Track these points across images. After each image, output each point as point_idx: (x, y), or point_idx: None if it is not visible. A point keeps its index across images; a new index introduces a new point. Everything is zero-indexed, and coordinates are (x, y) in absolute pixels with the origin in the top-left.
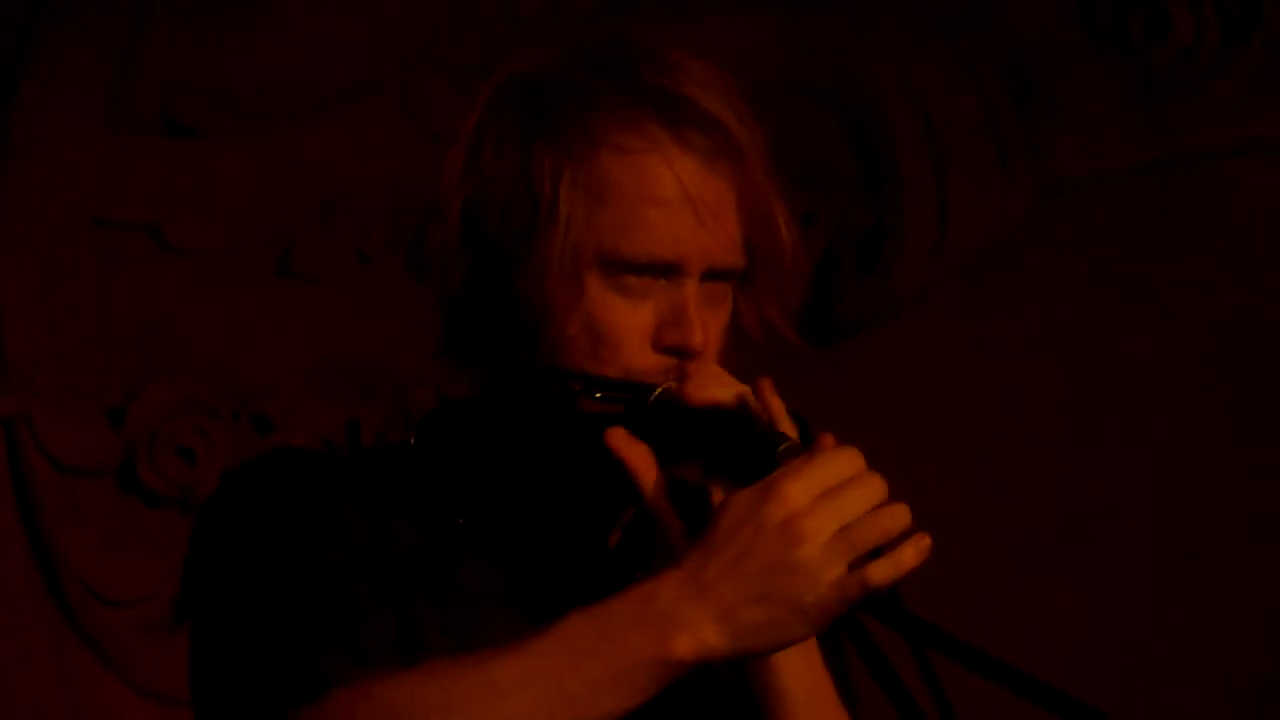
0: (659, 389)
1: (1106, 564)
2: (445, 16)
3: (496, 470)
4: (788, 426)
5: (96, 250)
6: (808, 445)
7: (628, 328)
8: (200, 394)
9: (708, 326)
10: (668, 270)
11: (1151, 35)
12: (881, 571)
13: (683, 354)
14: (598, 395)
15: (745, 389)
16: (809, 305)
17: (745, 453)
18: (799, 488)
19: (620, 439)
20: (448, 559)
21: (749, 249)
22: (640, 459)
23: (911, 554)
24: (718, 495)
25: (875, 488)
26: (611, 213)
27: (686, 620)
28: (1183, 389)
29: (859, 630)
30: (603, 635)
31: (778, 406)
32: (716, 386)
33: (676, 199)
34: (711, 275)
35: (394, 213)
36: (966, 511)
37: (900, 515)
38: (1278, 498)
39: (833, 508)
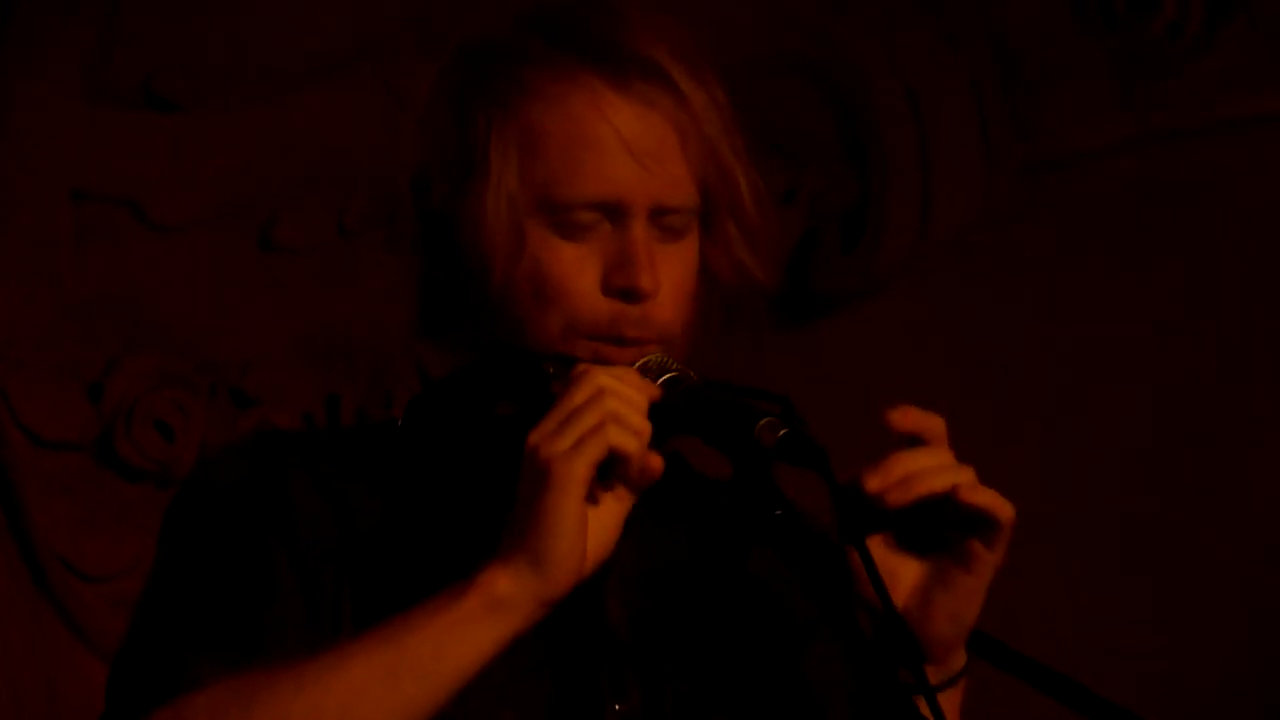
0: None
1: (1092, 547)
2: None
3: (460, 458)
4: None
5: (75, 223)
6: (792, 424)
7: (573, 273)
8: (179, 368)
9: (660, 267)
10: (610, 211)
11: (1136, 12)
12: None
13: (632, 297)
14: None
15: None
16: (790, 281)
17: (726, 425)
18: (537, 431)
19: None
20: (403, 544)
21: (704, 191)
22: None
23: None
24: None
25: (608, 403)
26: (545, 161)
27: (495, 564)
28: (1171, 367)
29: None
30: (423, 608)
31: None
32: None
33: (611, 142)
34: (660, 213)
35: (374, 185)
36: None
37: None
38: (1266, 473)
39: (561, 434)
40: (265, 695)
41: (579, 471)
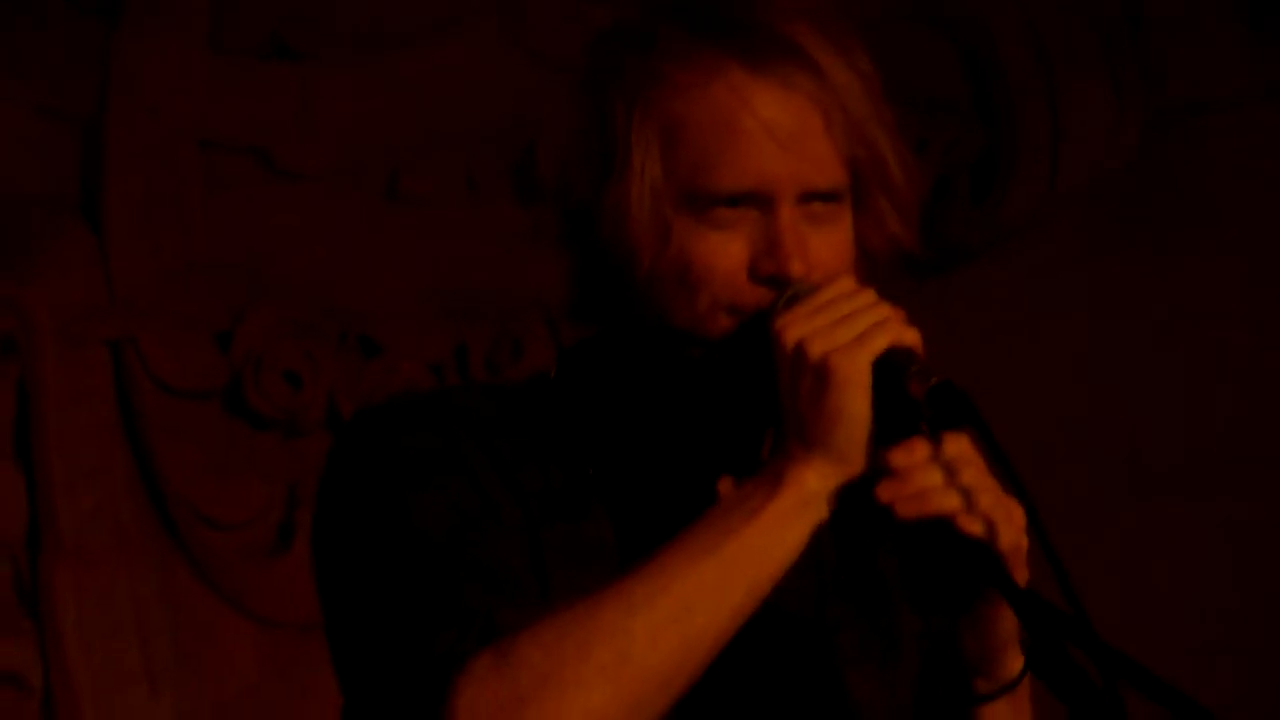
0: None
1: (1215, 491)
2: None
3: (632, 416)
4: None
5: (202, 173)
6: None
7: (717, 262)
8: (306, 317)
9: (813, 251)
10: (756, 200)
11: None
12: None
13: (782, 284)
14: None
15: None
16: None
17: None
18: (788, 320)
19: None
20: (577, 506)
21: (853, 168)
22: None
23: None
24: None
25: (857, 297)
26: (685, 151)
27: (791, 462)
28: None
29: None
30: (731, 512)
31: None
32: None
33: (752, 129)
34: (809, 198)
35: (500, 136)
36: (1068, 442)
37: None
38: None
39: (815, 319)
40: (595, 623)
41: (863, 365)
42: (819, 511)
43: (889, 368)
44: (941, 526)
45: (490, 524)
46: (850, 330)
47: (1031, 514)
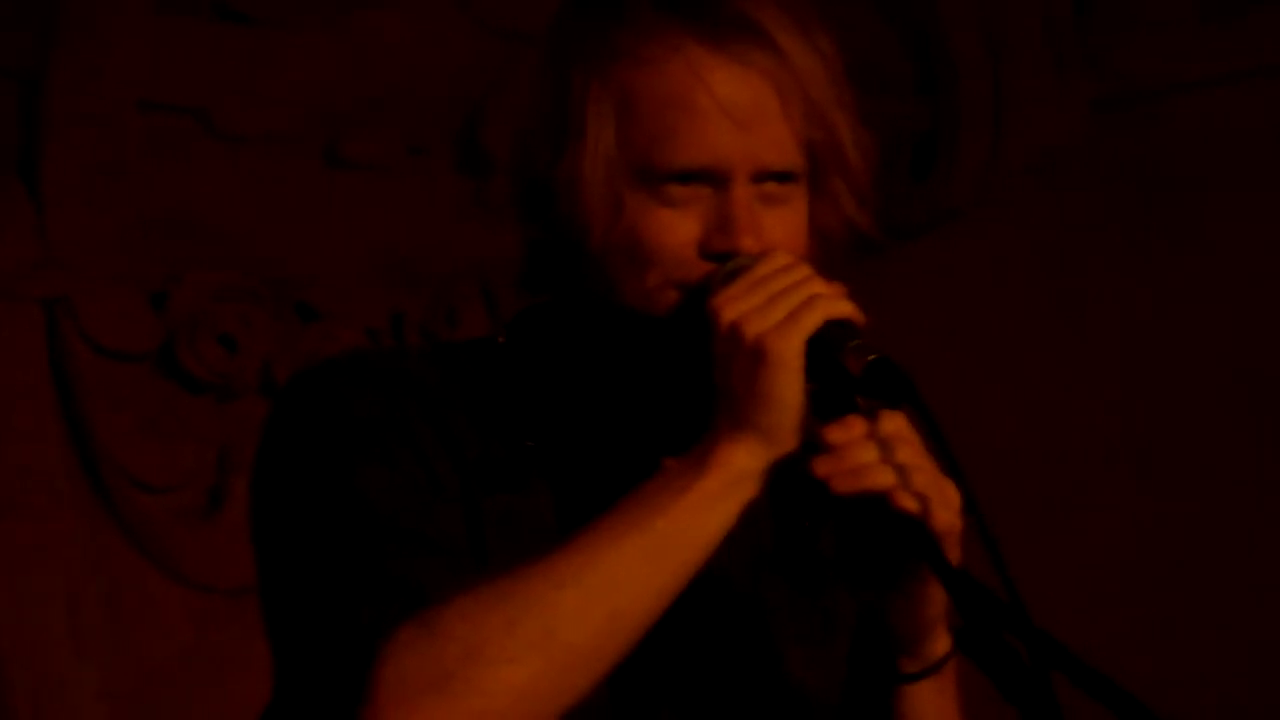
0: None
1: (1161, 482)
2: None
3: (576, 389)
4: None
5: (142, 134)
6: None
7: (667, 239)
8: (243, 281)
9: (766, 230)
10: (710, 177)
11: None
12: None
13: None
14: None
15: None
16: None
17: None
18: (731, 305)
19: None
20: (516, 478)
21: (810, 150)
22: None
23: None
24: None
25: (793, 274)
26: (640, 125)
27: (721, 440)
28: (1249, 308)
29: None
30: (660, 490)
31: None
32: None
33: (707, 104)
34: (764, 177)
35: (443, 104)
36: (1019, 423)
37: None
38: None
39: (749, 298)
40: (522, 597)
41: (796, 346)
42: (748, 491)
43: (827, 342)
44: (876, 503)
45: (431, 495)
46: (783, 308)
47: (966, 494)
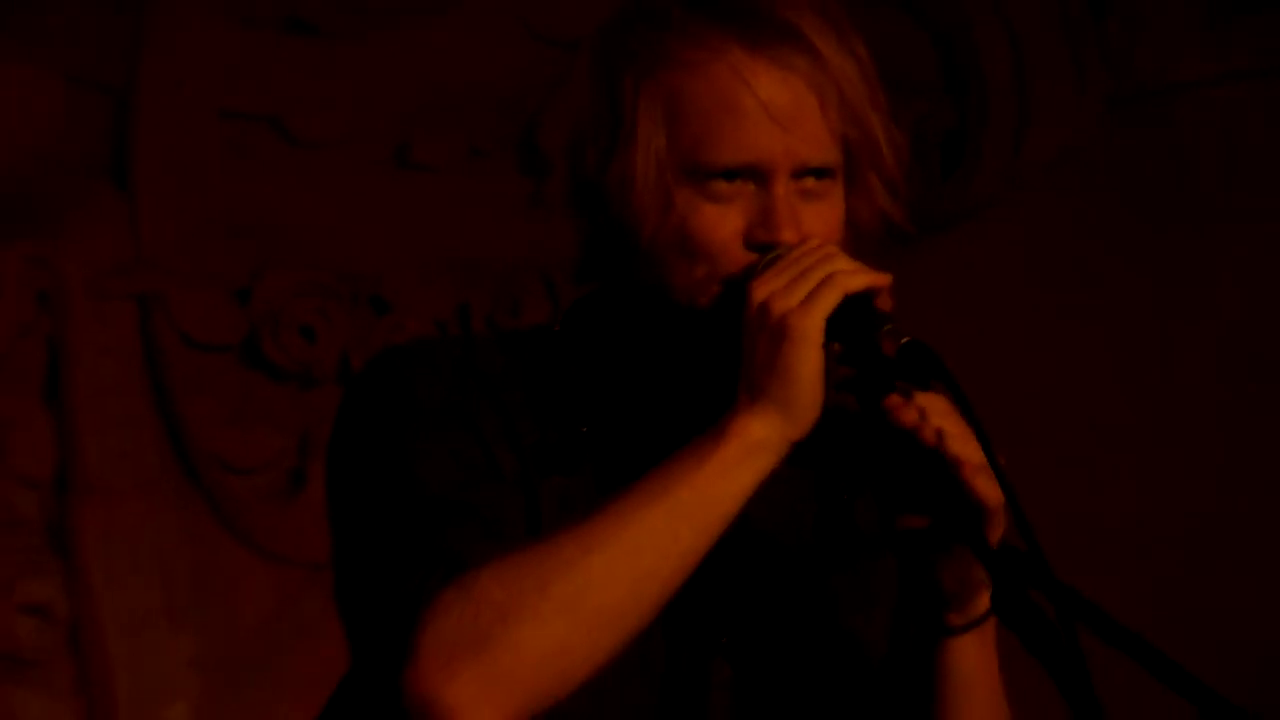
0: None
1: (1174, 473)
2: None
3: (626, 377)
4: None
5: (223, 141)
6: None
7: (714, 233)
8: (321, 277)
9: (806, 223)
10: (753, 174)
11: None
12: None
13: (774, 251)
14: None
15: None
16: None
17: (851, 322)
18: (762, 286)
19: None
20: (570, 462)
21: (846, 147)
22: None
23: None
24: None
25: (815, 254)
26: (688, 126)
27: (740, 414)
28: (1262, 302)
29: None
30: (684, 460)
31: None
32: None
33: (751, 107)
34: (803, 174)
35: (502, 108)
36: (1040, 401)
37: (829, 254)
38: None
39: (789, 289)
40: (554, 561)
41: (816, 322)
42: (766, 460)
43: (862, 326)
44: (918, 469)
45: (488, 475)
46: (805, 287)
47: (996, 467)
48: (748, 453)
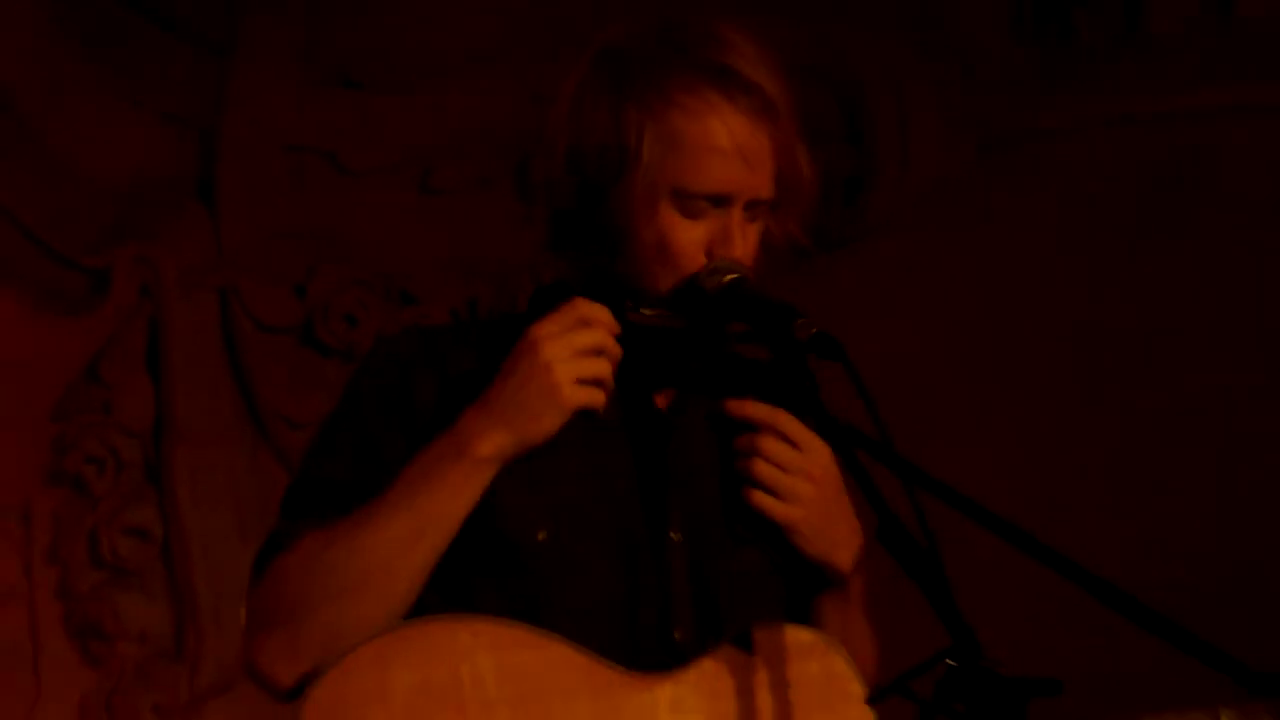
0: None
1: (1067, 487)
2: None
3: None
4: None
5: (287, 168)
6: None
7: (687, 242)
8: (362, 275)
9: (746, 240)
10: (719, 200)
11: (1060, 31)
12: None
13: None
14: (642, 310)
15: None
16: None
17: (771, 318)
18: (543, 330)
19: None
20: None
21: (779, 183)
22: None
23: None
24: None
25: (596, 335)
26: (680, 158)
27: (478, 430)
28: (1105, 309)
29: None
30: (432, 458)
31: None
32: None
33: (729, 147)
34: (751, 204)
35: (505, 148)
36: (951, 387)
37: (599, 365)
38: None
39: (563, 341)
40: (334, 554)
41: (572, 377)
42: (494, 469)
43: (780, 317)
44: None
45: (374, 459)
46: (579, 343)
47: (881, 430)
48: (476, 468)
